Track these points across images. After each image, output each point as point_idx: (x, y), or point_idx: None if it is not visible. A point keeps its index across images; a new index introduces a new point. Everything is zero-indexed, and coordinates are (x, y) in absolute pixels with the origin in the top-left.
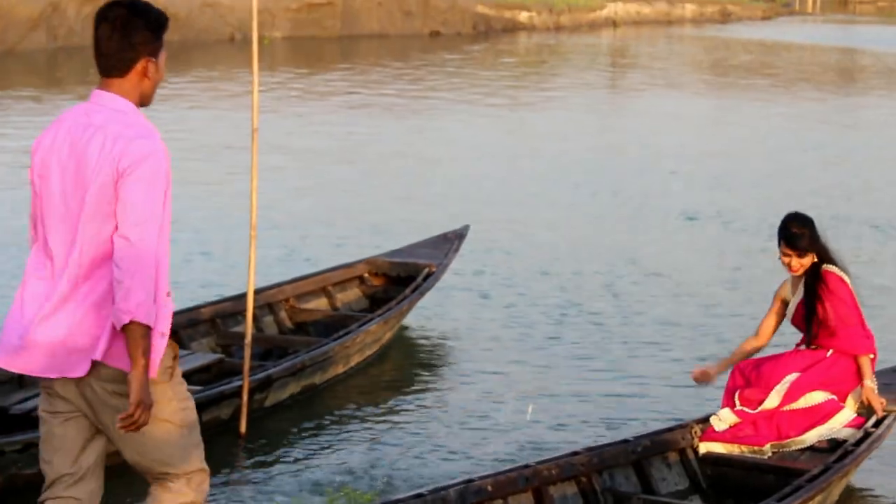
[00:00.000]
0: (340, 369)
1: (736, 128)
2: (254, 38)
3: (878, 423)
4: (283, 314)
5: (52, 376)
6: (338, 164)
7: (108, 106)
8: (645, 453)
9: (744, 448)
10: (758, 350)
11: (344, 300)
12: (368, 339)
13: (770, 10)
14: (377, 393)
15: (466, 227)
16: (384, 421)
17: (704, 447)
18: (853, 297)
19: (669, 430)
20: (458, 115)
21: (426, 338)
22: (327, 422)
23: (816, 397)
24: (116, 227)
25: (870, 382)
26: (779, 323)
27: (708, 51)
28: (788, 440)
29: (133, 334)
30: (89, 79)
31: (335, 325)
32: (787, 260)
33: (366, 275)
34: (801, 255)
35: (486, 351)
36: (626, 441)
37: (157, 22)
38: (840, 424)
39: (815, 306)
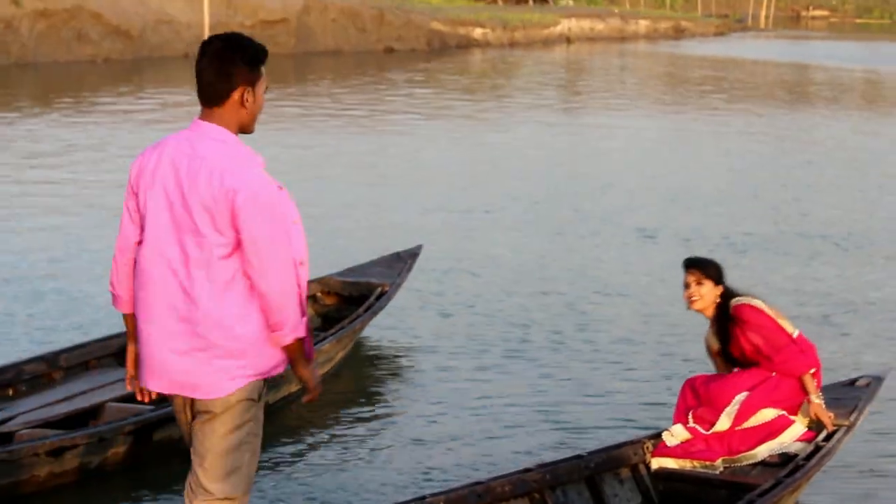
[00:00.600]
0: (293, 388)
1: (691, 144)
2: None
3: (828, 437)
4: None
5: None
6: (290, 182)
7: (209, 136)
8: (597, 469)
9: (696, 463)
10: None
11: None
12: (321, 359)
13: (723, 25)
14: (330, 411)
15: (419, 247)
16: (337, 439)
17: (657, 462)
18: (773, 320)
19: (622, 445)
20: (412, 132)
21: (379, 357)
22: (280, 441)
23: (767, 414)
24: (237, 257)
25: (816, 398)
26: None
27: (662, 67)
28: (740, 455)
29: (291, 348)
30: (42, 93)
31: None
32: (688, 291)
33: (318, 294)
34: (705, 280)
35: (440, 369)
36: (578, 457)
37: (254, 54)
38: (791, 439)
39: (731, 346)
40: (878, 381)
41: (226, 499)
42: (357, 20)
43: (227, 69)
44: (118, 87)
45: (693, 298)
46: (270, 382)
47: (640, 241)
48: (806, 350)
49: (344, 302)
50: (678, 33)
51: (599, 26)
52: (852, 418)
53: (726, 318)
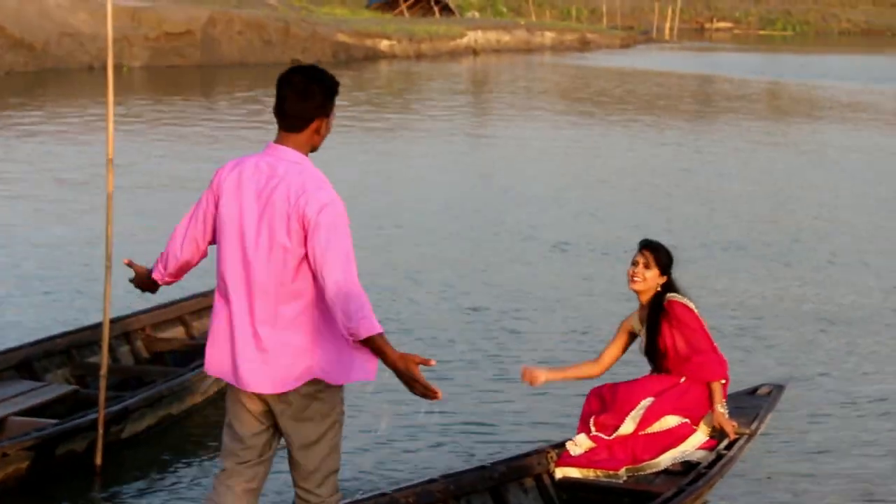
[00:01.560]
0: (198, 399)
1: (600, 156)
2: (109, 68)
3: (730, 446)
4: (139, 344)
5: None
6: (196, 193)
7: (285, 158)
8: (502, 479)
9: (599, 472)
10: (591, 377)
11: (201, 329)
12: None
13: (628, 38)
14: None
15: None
16: None
17: (560, 472)
18: (701, 324)
19: (526, 455)
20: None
21: None
22: (185, 453)
23: (670, 421)
24: (310, 268)
25: (720, 408)
26: (621, 353)
27: (569, 79)
28: (643, 463)
29: (369, 344)
30: None
31: (192, 354)
32: (634, 269)
33: None
34: (653, 265)
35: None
36: (482, 467)
37: (331, 88)
38: (693, 447)
39: (657, 337)
40: (779, 389)
41: None
42: (262, 32)
43: (309, 103)
44: (19, 100)
45: (636, 278)
46: (179, 392)
47: (552, 254)
48: (722, 362)
49: None
50: (584, 45)
51: (506, 38)
52: (753, 426)
53: (658, 309)
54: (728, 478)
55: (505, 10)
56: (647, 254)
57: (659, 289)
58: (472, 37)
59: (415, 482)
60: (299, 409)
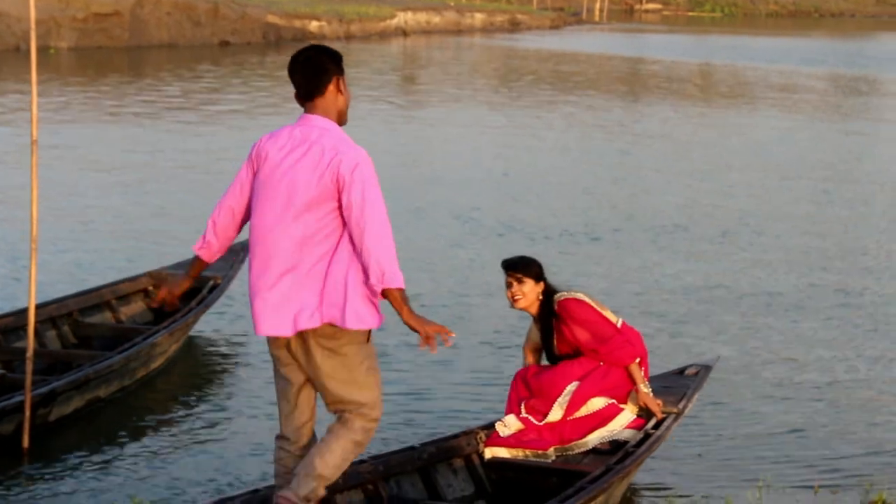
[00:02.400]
0: (126, 382)
1: (529, 138)
2: (32, 49)
3: (658, 425)
4: (66, 328)
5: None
6: (123, 177)
7: (316, 125)
8: (431, 460)
9: (528, 452)
10: None
11: (128, 313)
12: (153, 352)
13: (558, 19)
14: (163, 405)
15: None
16: (170, 433)
17: (490, 452)
18: (598, 313)
19: (455, 436)
20: (248, 126)
21: (213, 349)
22: (113, 435)
23: (597, 403)
24: (337, 222)
25: (644, 387)
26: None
27: (499, 60)
28: (571, 443)
29: (391, 296)
30: None
31: (120, 338)
32: (510, 292)
33: (150, 288)
34: (529, 279)
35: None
36: (412, 448)
37: (334, 53)
38: (620, 427)
39: (553, 339)
40: (706, 369)
41: None
42: (192, 13)
43: (320, 66)
44: None
45: (516, 298)
46: (106, 375)
47: (487, 237)
48: (632, 339)
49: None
50: (514, 26)
51: (436, 19)
52: (681, 406)
53: (550, 314)
54: (656, 456)
55: None
56: (513, 273)
57: (541, 297)
58: (402, 18)
59: None
60: (319, 348)
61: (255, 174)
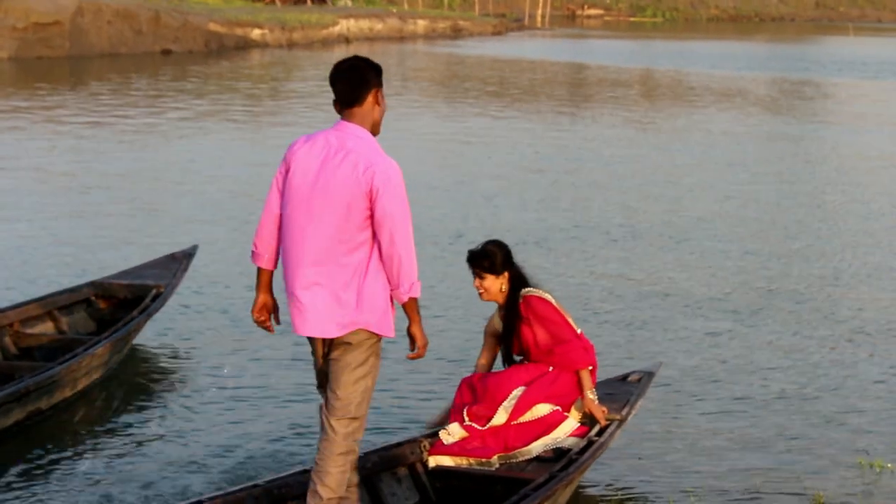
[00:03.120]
0: (67, 393)
1: (476, 144)
2: None
3: (601, 432)
4: (7, 340)
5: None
6: (64, 187)
7: (352, 133)
8: (374, 469)
9: (472, 460)
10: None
11: (70, 324)
12: (95, 362)
13: (500, 25)
14: (105, 416)
15: (195, 247)
16: (111, 444)
17: (434, 461)
18: (560, 314)
19: (398, 445)
20: (189, 135)
21: (156, 358)
22: (54, 447)
23: (542, 409)
24: (366, 229)
25: (590, 394)
26: (494, 357)
27: (442, 67)
28: (515, 451)
29: (410, 305)
30: None
31: (62, 349)
32: (476, 283)
33: (92, 297)
34: (489, 274)
35: (215, 372)
36: None
37: (375, 65)
38: (564, 434)
39: (513, 334)
40: (649, 376)
41: None
42: (133, 22)
43: (362, 76)
44: None
45: (481, 291)
46: (47, 386)
47: (421, 244)
48: (588, 348)
49: (119, 305)
50: (456, 33)
51: (378, 26)
52: (624, 413)
53: (514, 307)
54: (600, 463)
55: None
56: (475, 267)
57: (506, 287)
58: (345, 25)
59: (284, 473)
60: (343, 354)
61: (286, 176)
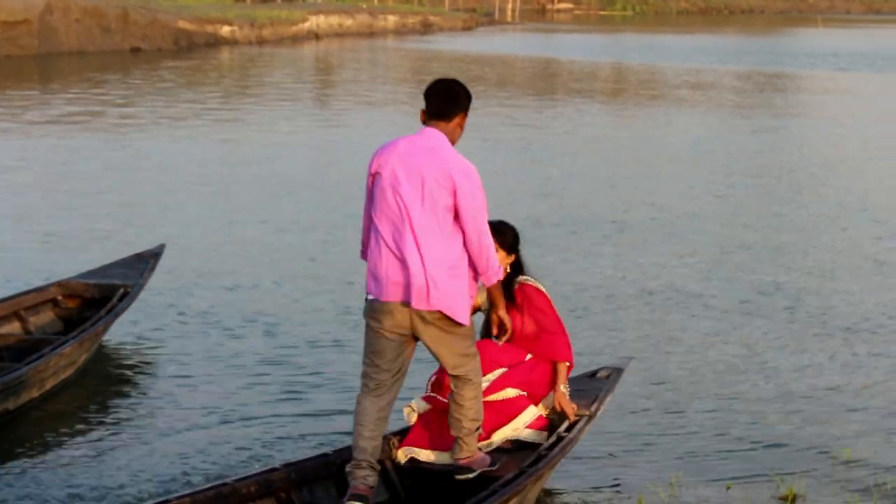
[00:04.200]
0: (35, 393)
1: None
2: None
3: (570, 427)
4: None
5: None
6: (30, 186)
7: (434, 138)
8: (344, 467)
9: (443, 455)
10: None
11: (37, 324)
12: (63, 362)
13: (470, 20)
14: (74, 416)
15: (162, 246)
16: (82, 443)
17: (403, 456)
18: (552, 306)
19: None
20: (159, 133)
21: (124, 358)
22: (22, 447)
23: (509, 393)
24: (458, 222)
25: (563, 388)
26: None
27: (412, 63)
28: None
29: (495, 289)
30: None
31: (29, 349)
32: None
33: (59, 297)
34: (499, 247)
35: (183, 370)
36: (325, 455)
37: (469, 94)
38: (523, 424)
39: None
40: (618, 372)
41: None
42: (101, 20)
43: (458, 98)
44: None
45: None
46: (14, 387)
47: None
48: (569, 344)
49: (86, 304)
50: (426, 28)
51: (348, 22)
52: (593, 408)
53: (509, 290)
54: (568, 458)
55: None
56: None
57: (508, 269)
58: (315, 21)
59: (255, 471)
60: (432, 328)
61: (373, 179)
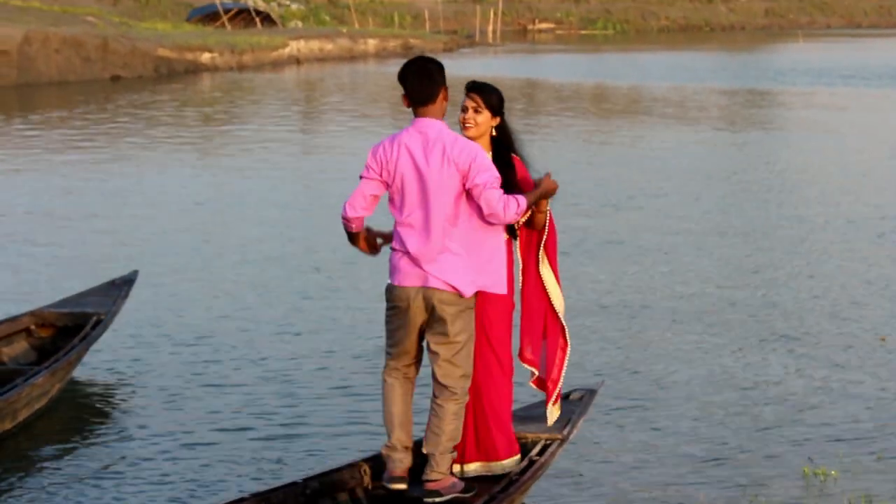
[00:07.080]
0: (8, 425)
1: None
2: None
3: (542, 451)
4: None
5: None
6: (3, 215)
7: (431, 126)
8: (314, 494)
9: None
10: None
11: (10, 354)
12: (36, 393)
13: (451, 41)
14: (47, 447)
15: (135, 273)
16: (55, 475)
17: (374, 484)
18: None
19: (339, 469)
20: (135, 161)
21: (98, 387)
22: None
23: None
24: (465, 200)
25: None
26: None
27: (392, 84)
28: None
29: (534, 209)
30: None
31: (2, 380)
32: (464, 115)
33: (32, 327)
34: (483, 108)
35: (157, 399)
36: (294, 483)
37: (440, 65)
38: (500, 469)
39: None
40: (591, 394)
41: None
42: (81, 49)
43: (433, 77)
44: None
45: (467, 124)
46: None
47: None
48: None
49: (60, 333)
50: (407, 51)
51: (328, 46)
52: (565, 432)
53: (500, 153)
54: (540, 482)
55: (328, 18)
56: (476, 97)
57: (494, 133)
58: (295, 46)
59: (223, 502)
60: (448, 307)
61: (383, 170)
